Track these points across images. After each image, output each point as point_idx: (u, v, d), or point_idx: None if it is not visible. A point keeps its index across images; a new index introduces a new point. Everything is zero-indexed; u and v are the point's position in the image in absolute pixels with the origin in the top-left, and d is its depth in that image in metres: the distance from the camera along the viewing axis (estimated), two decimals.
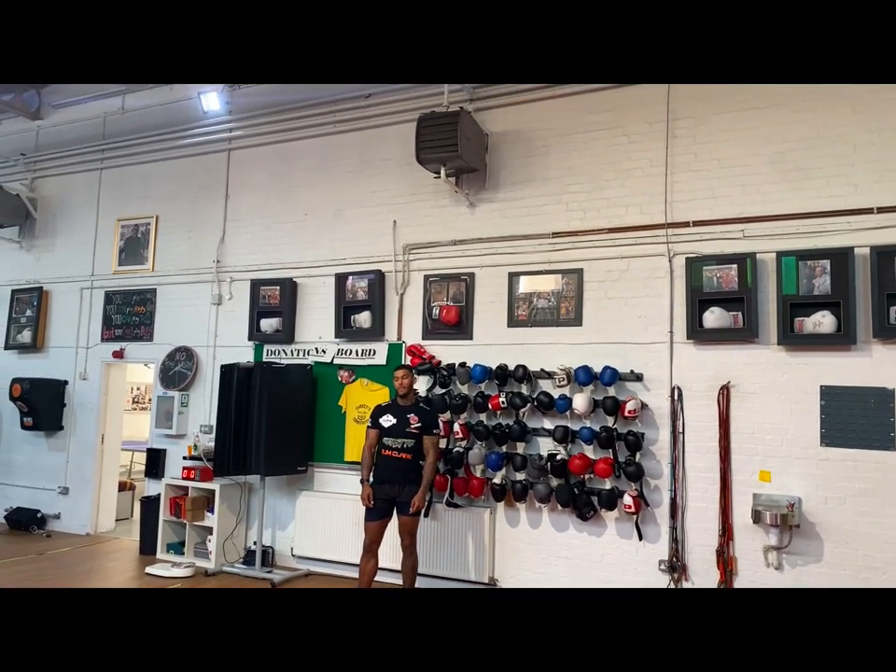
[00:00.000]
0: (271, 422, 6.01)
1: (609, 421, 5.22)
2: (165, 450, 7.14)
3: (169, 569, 6.10)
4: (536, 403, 5.42)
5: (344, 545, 6.07)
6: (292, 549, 6.38)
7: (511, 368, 5.54)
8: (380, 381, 6.25)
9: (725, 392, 5.01)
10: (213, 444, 6.40)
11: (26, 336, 8.10)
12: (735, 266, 5.02)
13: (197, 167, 7.41)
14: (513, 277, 5.81)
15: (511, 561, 5.58)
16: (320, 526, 6.23)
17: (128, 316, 7.60)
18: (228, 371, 6.31)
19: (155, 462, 7.13)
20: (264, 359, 6.70)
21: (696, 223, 5.23)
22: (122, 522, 8.04)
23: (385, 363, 6.24)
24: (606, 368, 5.22)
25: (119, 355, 7.57)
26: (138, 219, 7.67)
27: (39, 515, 7.66)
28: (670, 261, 5.27)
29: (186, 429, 7.04)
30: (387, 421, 5.06)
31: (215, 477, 6.35)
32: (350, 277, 6.44)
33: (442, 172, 5.64)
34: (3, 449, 8.16)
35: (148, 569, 6.14)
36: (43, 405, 7.67)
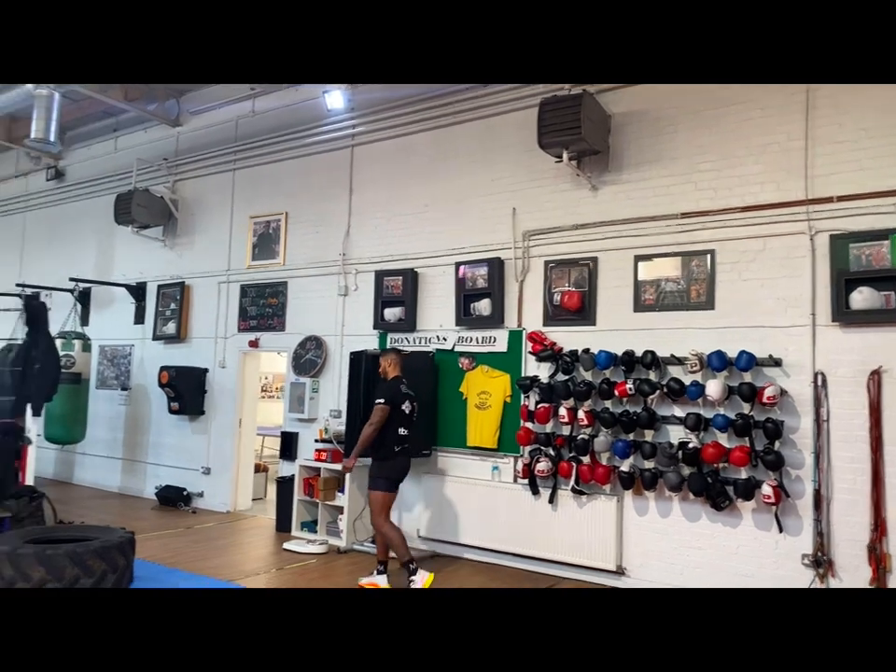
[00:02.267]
0: None
1: (745, 408, 5.01)
2: (297, 433, 7.54)
3: (305, 546, 6.45)
4: (666, 390, 5.29)
5: (469, 528, 6.21)
6: (418, 530, 6.57)
7: (639, 354, 5.43)
8: (501, 367, 6.31)
9: (876, 378, 4.68)
10: (342, 428, 6.70)
11: (171, 328, 8.78)
12: (886, 242, 4.68)
13: (322, 164, 7.73)
14: (639, 260, 5.68)
15: (639, 550, 5.48)
16: (444, 509, 6.38)
17: (262, 308, 8.07)
18: (356, 358, 6.57)
19: (288, 445, 7.54)
20: (388, 347, 6.91)
21: (841, 198, 4.90)
22: (257, 501, 8.57)
23: (505, 350, 6.29)
24: (742, 352, 5.01)
25: (254, 344, 8.06)
26: (269, 216, 8.11)
27: (185, 493, 8.29)
28: (811, 240, 4.98)
29: (316, 414, 7.40)
30: None
31: (344, 459, 6.63)
32: (469, 265, 6.53)
33: (565, 155, 5.60)
34: (153, 432, 8.91)
35: (286, 545, 6.52)
36: (187, 391, 8.28)
